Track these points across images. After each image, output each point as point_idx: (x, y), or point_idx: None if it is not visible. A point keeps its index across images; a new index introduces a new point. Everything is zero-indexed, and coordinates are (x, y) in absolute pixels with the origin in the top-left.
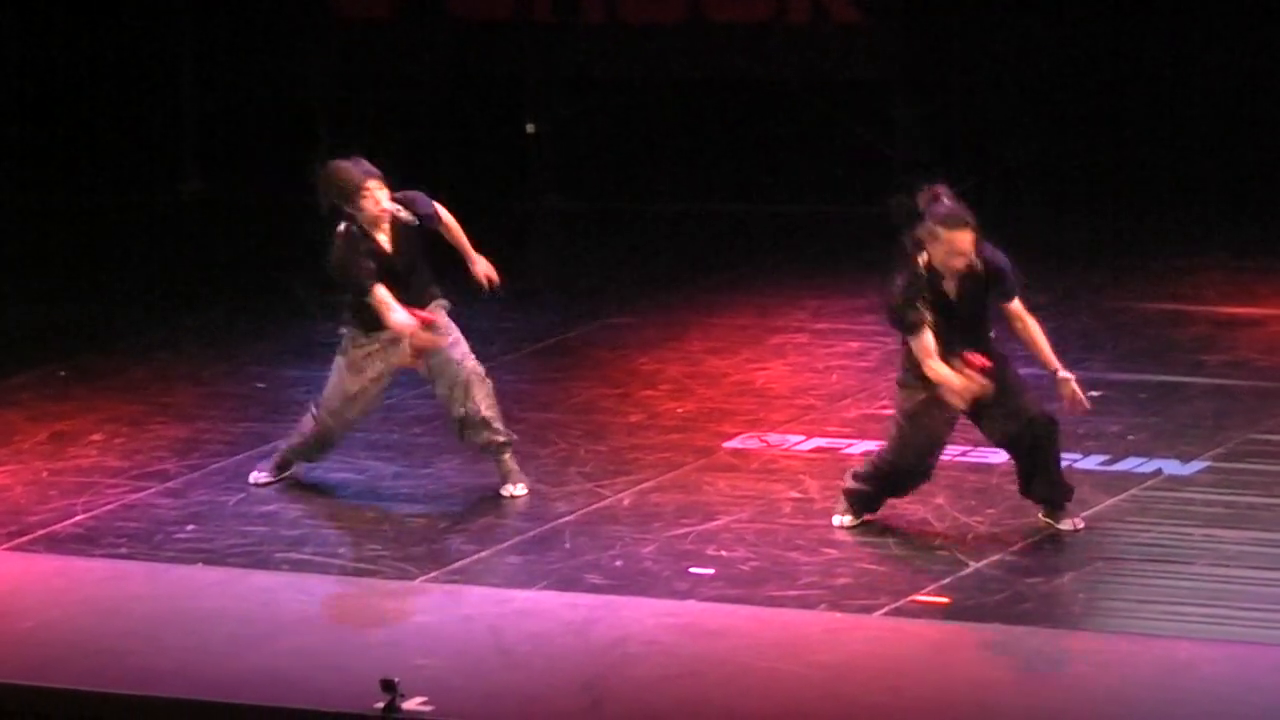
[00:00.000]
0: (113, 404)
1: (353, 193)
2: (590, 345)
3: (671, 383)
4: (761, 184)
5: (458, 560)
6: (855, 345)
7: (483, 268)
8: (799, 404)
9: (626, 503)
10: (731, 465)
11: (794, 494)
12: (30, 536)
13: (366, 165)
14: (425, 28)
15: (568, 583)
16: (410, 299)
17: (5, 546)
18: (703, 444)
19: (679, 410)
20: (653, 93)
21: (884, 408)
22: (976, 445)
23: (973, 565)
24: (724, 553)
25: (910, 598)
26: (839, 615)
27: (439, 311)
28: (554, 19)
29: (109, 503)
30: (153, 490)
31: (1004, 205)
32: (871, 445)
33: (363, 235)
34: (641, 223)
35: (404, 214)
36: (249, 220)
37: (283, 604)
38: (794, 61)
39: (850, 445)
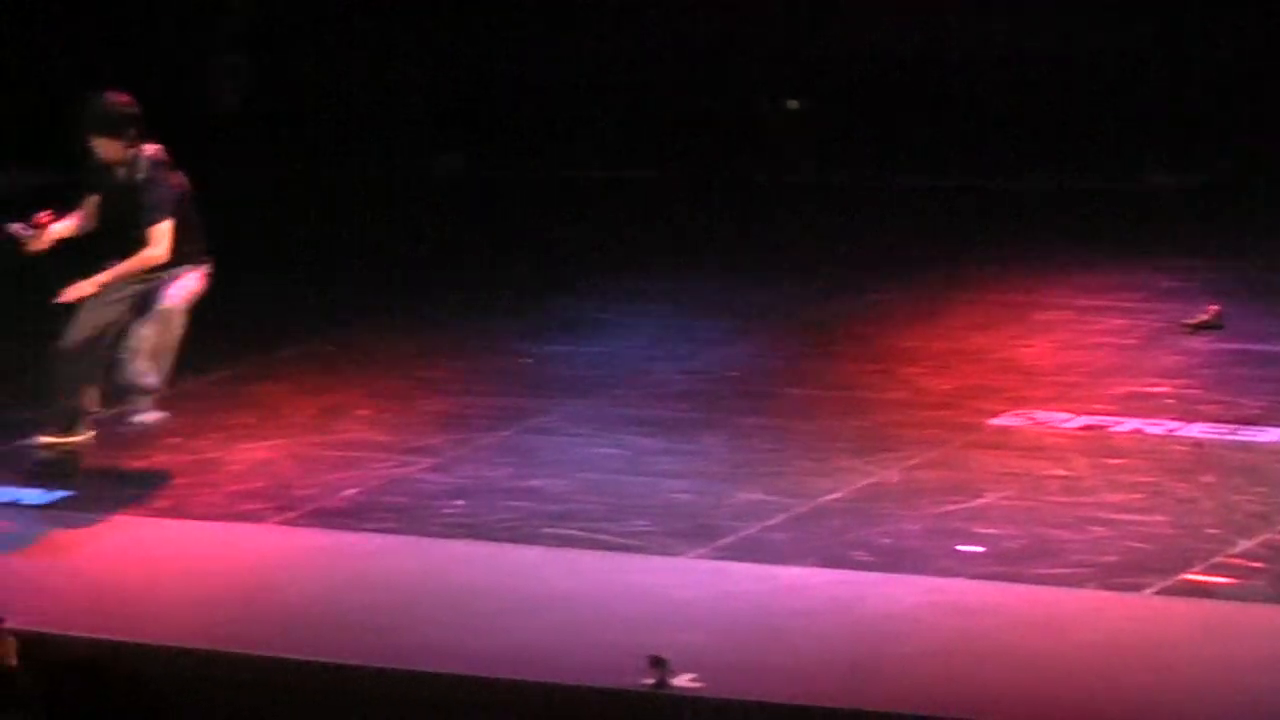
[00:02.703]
0: (379, 379)
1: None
2: (850, 321)
3: (934, 359)
4: (1028, 160)
5: (724, 537)
6: (1120, 323)
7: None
8: (1064, 381)
9: (893, 480)
10: (997, 442)
11: (1060, 471)
12: (299, 511)
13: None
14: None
15: (835, 560)
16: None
17: (274, 520)
18: (967, 421)
19: (942, 387)
20: (914, 70)
21: (1151, 384)
22: (1244, 423)
23: (1241, 544)
24: (991, 530)
25: (1179, 577)
26: (1106, 594)
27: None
28: None
29: (376, 478)
30: (419, 465)
31: (1270, 183)
32: (1137, 423)
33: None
34: (904, 199)
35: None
36: (507, 195)
37: (548, 579)
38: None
39: (1117, 423)
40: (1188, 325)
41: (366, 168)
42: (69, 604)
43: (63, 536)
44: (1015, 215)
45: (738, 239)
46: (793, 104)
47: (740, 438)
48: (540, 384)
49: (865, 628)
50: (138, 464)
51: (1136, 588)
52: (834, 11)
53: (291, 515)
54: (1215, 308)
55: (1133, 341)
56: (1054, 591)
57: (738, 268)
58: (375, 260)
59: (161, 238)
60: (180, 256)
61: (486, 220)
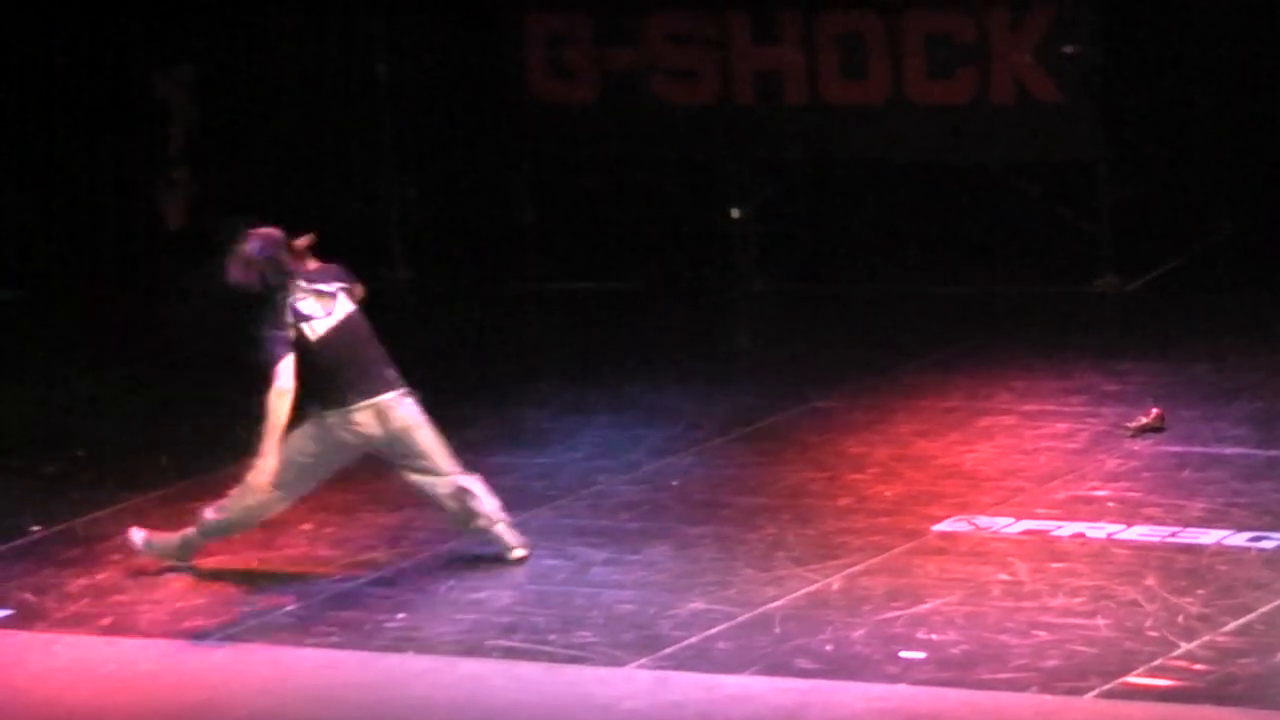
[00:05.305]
0: (322, 493)
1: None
2: (797, 429)
3: (879, 466)
4: (967, 266)
5: (667, 646)
6: (1063, 427)
7: None
8: (1008, 486)
9: (836, 587)
10: (940, 548)
11: (1003, 576)
12: (242, 626)
13: None
14: (628, 112)
15: (778, 668)
16: None
17: (218, 637)
18: (911, 527)
19: (887, 493)
20: (856, 175)
21: (1093, 489)
22: (1186, 525)
23: (1183, 646)
24: (934, 636)
25: (1121, 679)
26: (1050, 698)
27: None
28: (757, 102)
29: (319, 592)
30: (363, 579)
31: (1206, 285)
32: (1080, 526)
33: None
34: (847, 305)
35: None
36: (454, 307)
37: (493, 692)
38: (997, 143)
39: (1059, 527)
40: (1130, 428)
41: None
42: None
43: (3, 656)
44: (958, 320)
45: (685, 348)
46: (735, 213)
47: (685, 547)
48: None
49: None
50: (80, 581)
51: (1079, 691)
52: (778, 120)
53: (235, 631)
54: (1157, 410)
55: (1075, 445)
56: (997, 696)
57: (684, 376)
58: None
59: (275, 376)
60: (337, 395)
61: (435, 331)
